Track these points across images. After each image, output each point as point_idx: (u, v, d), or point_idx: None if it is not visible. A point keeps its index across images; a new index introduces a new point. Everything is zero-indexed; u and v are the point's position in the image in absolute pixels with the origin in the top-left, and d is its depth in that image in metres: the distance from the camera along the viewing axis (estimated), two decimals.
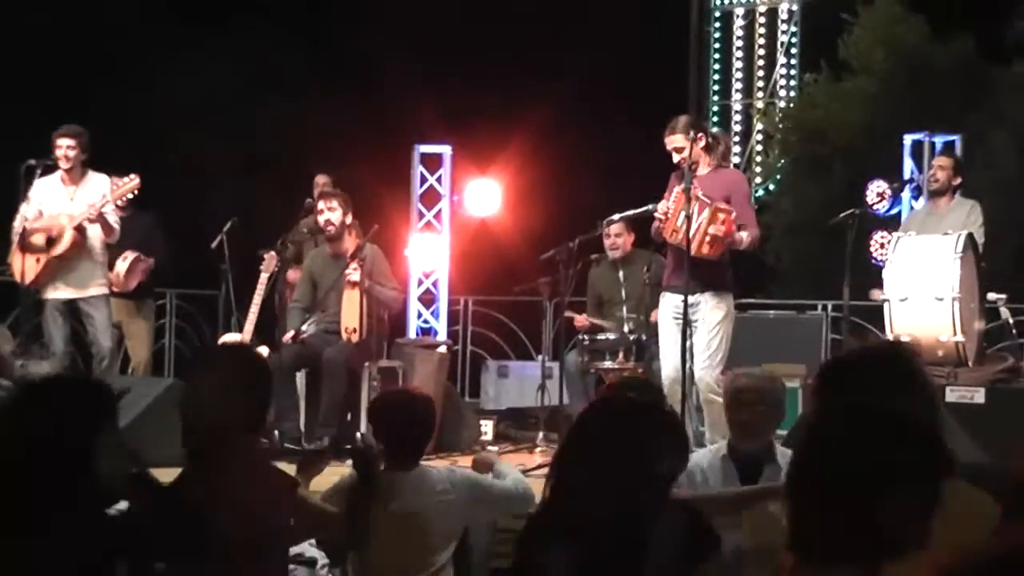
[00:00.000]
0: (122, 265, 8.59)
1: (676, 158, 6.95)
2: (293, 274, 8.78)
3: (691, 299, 6.82)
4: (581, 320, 8.59)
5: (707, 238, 6.74)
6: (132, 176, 7.91)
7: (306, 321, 8.00)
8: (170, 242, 9.23)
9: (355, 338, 7.77)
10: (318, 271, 8.18)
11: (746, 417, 4.69)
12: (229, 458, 3.57)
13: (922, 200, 9.36)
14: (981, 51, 14.37)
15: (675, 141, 6.95)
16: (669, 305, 7.03)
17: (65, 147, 7.88)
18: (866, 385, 2.96)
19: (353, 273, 7.79)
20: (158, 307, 10.17)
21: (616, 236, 8.59)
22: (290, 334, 7.94)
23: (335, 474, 4.57)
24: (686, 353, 6.76)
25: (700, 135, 6.98)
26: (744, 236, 6.91)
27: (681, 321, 6.80)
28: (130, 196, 7.98)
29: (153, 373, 9.51)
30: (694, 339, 6.91)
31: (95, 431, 3.24)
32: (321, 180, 9.49)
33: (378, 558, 4.22)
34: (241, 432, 3.66)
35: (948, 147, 10.49)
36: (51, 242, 7.82)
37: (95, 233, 7.90)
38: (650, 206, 7.16)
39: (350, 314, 7.83)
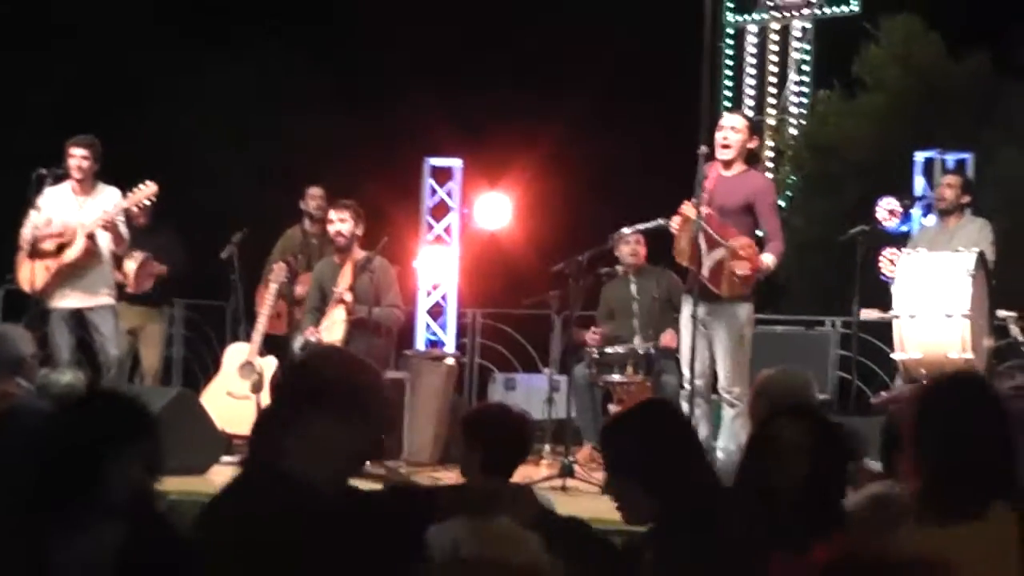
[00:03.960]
0: (131, 265, 8.56)
1: (721, 139, 7.02)
2: (301, 289, 8.72)
3: (710, 306, 6.77)
4: (592, 336, 8.54)
5: (735, 279, 6.65)
6: (148, 183, 7.93)
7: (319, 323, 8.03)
8: (188, 253, 9.26)
9: None
10: (326, 281, 8.18)
11: None
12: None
13: (932, 217, 9.33)
14: (997, 68, 14.30)
15: (736, 126, 7.15)
16: (689, 314, 6.92)
17: (79, 156, 7.90)
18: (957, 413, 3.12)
19: (346, 294, 7.86)
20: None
21: (636, 243, 8.61)
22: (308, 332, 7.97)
23: None
24: (693, 361, 6.73)
25: (754, 137, 7.21)
26: (770, 260, 6.80)
27: (701, 328, 6.76)
28: (147, 203, 8.01)
29: (161, 382, 9.51)
30: (714, 348, 6.87)
31: (124, 448, 3.26)
32: (315, 192, 9.47)
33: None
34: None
35: (958, 166, 10.47)
36: (62, 249, 7.84)
37: (105, 242, 7.92)
38: (660, 221, 7.14)
39: (331, 333, 7.85)
